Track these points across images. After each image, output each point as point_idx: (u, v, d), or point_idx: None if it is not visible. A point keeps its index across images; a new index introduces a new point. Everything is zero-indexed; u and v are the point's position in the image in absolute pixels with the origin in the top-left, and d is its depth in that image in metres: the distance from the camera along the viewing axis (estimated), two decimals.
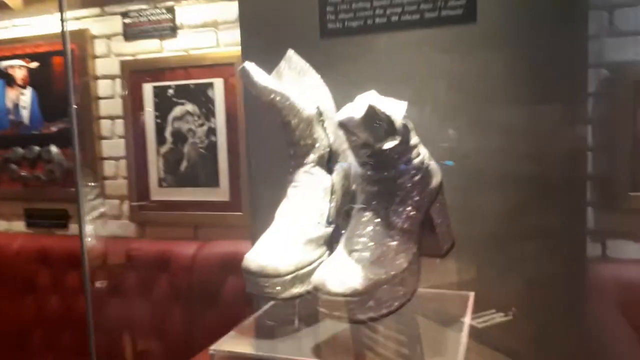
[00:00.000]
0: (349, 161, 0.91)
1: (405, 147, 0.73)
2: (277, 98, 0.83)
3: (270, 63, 1.04)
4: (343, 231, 0.90)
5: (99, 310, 2.14)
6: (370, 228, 0.73)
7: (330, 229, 0.84)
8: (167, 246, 2.10)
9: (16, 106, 2.39)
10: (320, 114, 0.87)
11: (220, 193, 2.11)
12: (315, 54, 0.99)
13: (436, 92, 0.98)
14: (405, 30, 1.00)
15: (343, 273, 0.70)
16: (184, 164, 2.15)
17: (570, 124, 0.94)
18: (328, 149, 0.87)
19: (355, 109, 0.70)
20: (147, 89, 2.17)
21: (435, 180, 0.81)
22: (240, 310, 1.94)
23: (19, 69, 2.37)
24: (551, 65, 0.94)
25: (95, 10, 2.26)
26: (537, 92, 0.95)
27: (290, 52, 0.92)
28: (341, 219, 0.87)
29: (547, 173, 0.96)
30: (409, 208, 0.75)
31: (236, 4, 2.02)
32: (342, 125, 0.70)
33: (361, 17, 1.01)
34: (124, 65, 2.20)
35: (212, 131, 2.09)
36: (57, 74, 2.30)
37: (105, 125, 2.29)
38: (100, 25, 2.25)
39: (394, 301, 0.72)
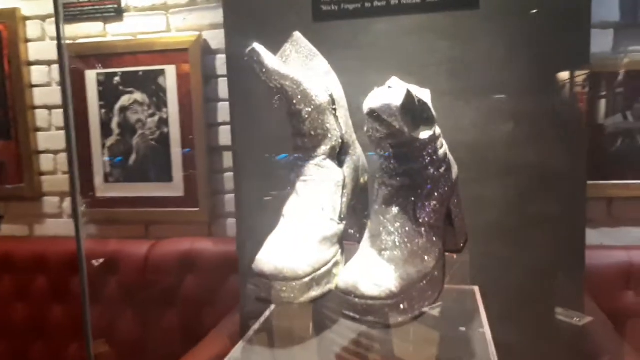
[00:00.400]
0: (358, 153, 0.86)
1: (432, 137, 0.68)
2: (288, 84, 0.75)
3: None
4: (351, 230, 0.85)
5: (42, 316, 1.96)
6: (398, 224, 0.68)
7: (342, 226, 0.78)
8: (116, 246, 1.95)
9: None
10: (332, 102, 0.80)
11: (174, 188, 1.98)
12: (307, 38, 0.93)
13: (437, 79, 0.94)
14: (405, 14, 0.95)
15: (376, 274, 0.65)
16: (132, 157, 2.01)
17: (570, 112, 0.94)
18: (340, 140, 0.80)
19: (386, 96, 0.64)
20: (90, 76, 2.00)
21: (455, 172, 0.77)
22: (200, 312, 1.84)
23: None
24: (553, 54, 0.93)
25: None
26: (538, 80, 0.94)
27: (297, 35, 0.84)
28: (349, 215, 0.82)
29: (548, 162, 0.95)
30: (435, 202, 0.70)
31: None
32: (374, 112, 0.64)
33: (358, 0, 0.95)
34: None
35: (163, 122, 1.96)
36: None
37: (41, 116, 2.09)
38: (33, 5, 2.05)
39: (424, 302, 0.68)
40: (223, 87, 1.92)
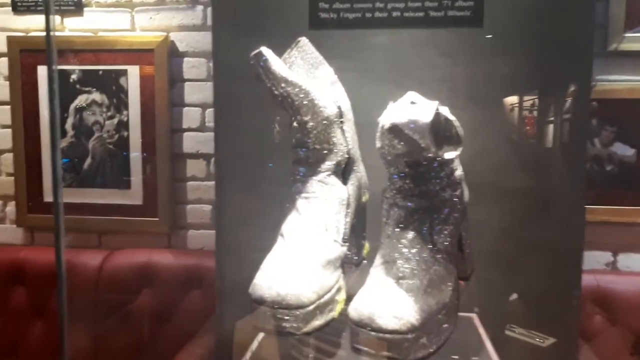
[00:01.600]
0: (362, 169, 0.80)
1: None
2: (295, 92, 0.69)
3: (245, 52, 0.90)
4: (348, 252, 0.79)
5: None
6: (415, 250, 0.62)
7: (345, 248, 0.72)
8: (66, 255, 1.80)
9: None
10: (340, 114, 0.74)
11: (132, 195, 1.86)
12: None
13: (436, 97, 0.89)
14: (406, 27, 0.91)
15: (394, 306, 0.59)
16: (87, 161, 1.87)
17: (571, 136, 0.92)
18: (346, 156, 0.74)
19: (411, 111, 0.59)
20: (43, 72, 1.85)
21: (467, 195, 0.73)
22: (158, 329, 1.72)
23: None
24: (555, 77, 0.91)
25: None
26: (539, 102, 0.92)
27: (304, 40, 0.78)
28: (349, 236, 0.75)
29: (546, 186, 0.93)
30: (451, 227, 0.65)
31: None
32: (397, 129, 0.59)
33: (359, 9, 0.90)
34: (12, 41, 1.85)
35: (123, 125, 1.84)
36: None
37: None
38: None
39: (441, 335, 0.62)
40: (189, 92, 1.83)
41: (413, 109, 0.60)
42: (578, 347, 0.97)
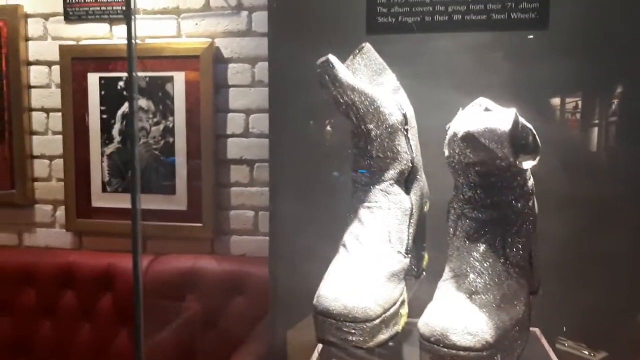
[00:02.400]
0: (424, 178, 0.77)
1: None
2: (361, 100, 0.66)
3: (300, 58, 0.88)
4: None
5: (28, 332, 1.82)
6: (487, 264, 0.59)
7: (408, 260, 0.69)
8: (111, 259, 1.83)
9: None
10: (405, 121, 0.71)
11: (177, 201, 1.87)
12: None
13: (497, 101, 0.86)
14: (468, 31, 0.87)
15: (468, 322, 0.56)
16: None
17: (637, 140, 0.87)
18: (410, 165, 0.72)
19: (487, 119, 0.56)
20: (93, 79, 1.89)
21: (536, 206, 0.69)
22: (201, 334, 1.72)
23: None
24: (619, 79, 0.86)
25: None
26: (604, 108, 0.87)
27: (368, 46, 0.75)
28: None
29: (610, 194, 0.88)
30: (523, 239, 0.62)
31: None
32: (473, 137, 0.56)
33: (418, 13, 0.87)
34: (63, 50, 1.89)
35: (168, 130, 1.85)
36: None
37: (37, 119, 1.96)
38: (36, 3, 1.93)
39: (514, 352, 0.59)
40: (233, 97, 1.83)
41: (489, 116, 0.57)
42: None
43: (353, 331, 0.60)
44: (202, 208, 1.84)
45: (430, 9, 0.87)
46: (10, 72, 1.92)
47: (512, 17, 0.85)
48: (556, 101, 0.90)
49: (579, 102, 0.92)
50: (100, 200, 1.91)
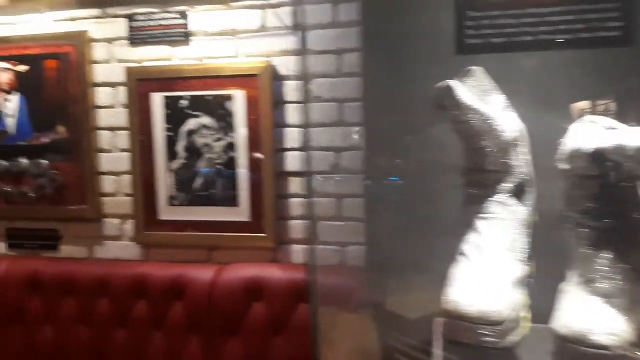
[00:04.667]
0: (535, 190, 0.81)
1: None
2: (478, 118, 0.71)
3: (393, 78, 0.92)
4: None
5: (105, 340, 1.91)
6: (616, 270, 0.64)
7: (528, 268, 0.75)
8: (180, 270, 1.90)
9: (0, 114, 2.10)
10: (519, 138, 0.76)
11: (240, 213, 1.93)
12: (448, 71, 0.88)
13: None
14: (553, 50, 0.89)
15: (608, 323, 0.60)
16: (198, 181, 1.96)
17: None
18: (524, 178, 0.77)
19: (610, 136, 0.61)
20: (157, 99, 1.96)
21: None
22: (266, 340, 1.78)
23: (3, 72, 2.08)
24: None
25: (95, 12, 2.02)
26: None
27: (479, 70, 0.80)
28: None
29: None
30: None
31: (258, 12, 1.87)
32: (601, 153, 0.60)
33: (506, 35, 0.90)
34: (130, 72, 1.97)
35: (230, 146, 1.92)
36: (50, 79, 2.04)
37: (104, 138, 2.05)
38: (101, 28, 2.02)
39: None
40: (291, 113, 1.88)
41: (616, 134, 0.61)
42: None
43: (488, 333, 0.65)
44: (264, 219, 1.90)
45: (518, 30, 0.89)
46: (79, 95, 2.01)
47: (598, 35, 0.87)
48: None
49: None
50: (166, 213, 1.99)
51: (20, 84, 2.06)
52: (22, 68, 2.05)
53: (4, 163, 2.09)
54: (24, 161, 2.08)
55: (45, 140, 2.05)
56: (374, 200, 1.04)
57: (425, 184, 0.97)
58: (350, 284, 1.61)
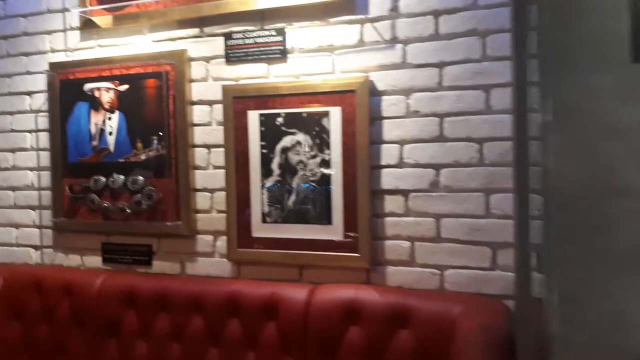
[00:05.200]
0: None
1: None
2: None
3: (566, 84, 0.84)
4: None
5: (198, 358, 1.89)
6: None
7: None
8: (273, 288, 1.85)
9: (101, 131, 2.16)
10: None
11: (333, 231, 1.87)
12: (624, 80, 0.80)
13: None
14: None
15: None
16: (292, 198, 1.92)
17: None
18: None
19: None
20: (253, 116, 1.95)
21: None
22: None
23: (106, 91, 2.15)
24: None
25: (193, 31, 2.06)
26: None
27: None
28: None
29: None
30: None
31: (357, 27, 1.84)
32: None
33: None
34: (226, 90, 1.98)
35: (325, 163, 1.87)
36: (149, 97, 2.09)
37: (200, 155, 2.07)
38: (199, 47, 2.05)
39: None
40: (388, 129, 1.82)
41: None
42: None
43: None
44: (358, 238, 1.83)
45: None
46: (176, 112, 2.04)
47: None
48: None
49: None
50: (259, 230, 1.96)
51: (121, 102, 2.12)
52: (123, 87, 2.10)
53: (102, 179, 2.14)
54: (121, 177, 2.12)
55: (142, 156, 2.09)
56: (556, 221, 0.93)
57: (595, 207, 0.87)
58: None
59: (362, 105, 1.79)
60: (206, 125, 2.04)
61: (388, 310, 1.68)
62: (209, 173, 2.05)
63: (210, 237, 2.05)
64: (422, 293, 1.74)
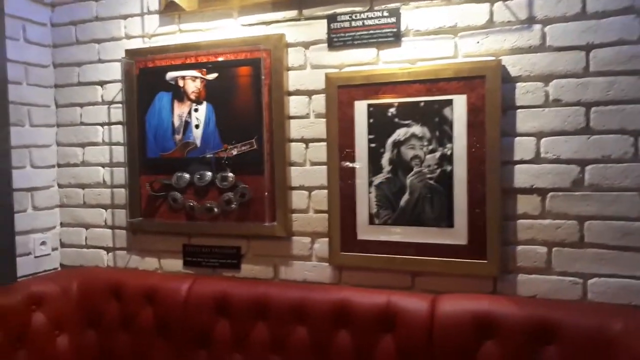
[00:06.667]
0: None
1: None
2: None
3: None
4: None
5: None
6: None
7: None
8: (386, 297, 1.63)
9: (186, 124, 1.96)
10: None
11: (455, 235, 1.65)
12: None
13: None
14: None
15: None
16: (405, 198, 1.70)
17: None
18: None
19: None
20: (360, 107, 1.73)
21: None
22: None
23: (191, 80, 1.94)
24: None
25: (291, 14, 1.84)
26: None
27: None
28: None
29: None
30: None
31: (486, 6, 1.60)
32: None
33: None
34: (330, 78, 1.76)
35: (446, 158, 1.64)
36: (241, 87, 1.87)
37: (296, 150, 1.85)
38: (296, 31, 1.83)
39: None
40: (522, 120, 1.58)
41: None
42: None
43: None
44: (486, 242, 1.60)
45: None
46: (272, 103, 1.83)
47: None
48: None
49: None
50: (365, 232, 1.74)
51: (209, 93, 1.91)
52: (211, 76, 1.89)
53: (186, 176, 1.94)
54: (208, 174, 1.91)
55: (233, 152, 1.88)
56: None
57: None
58: None
59: (493, 92, 1.57)
60: (304, 118, 1.83)
61: (528, 323, 1.45)
62: (306, 170, 1.83)
63: (307, 239, 1.84)
64: (568, 304, 1.51)
